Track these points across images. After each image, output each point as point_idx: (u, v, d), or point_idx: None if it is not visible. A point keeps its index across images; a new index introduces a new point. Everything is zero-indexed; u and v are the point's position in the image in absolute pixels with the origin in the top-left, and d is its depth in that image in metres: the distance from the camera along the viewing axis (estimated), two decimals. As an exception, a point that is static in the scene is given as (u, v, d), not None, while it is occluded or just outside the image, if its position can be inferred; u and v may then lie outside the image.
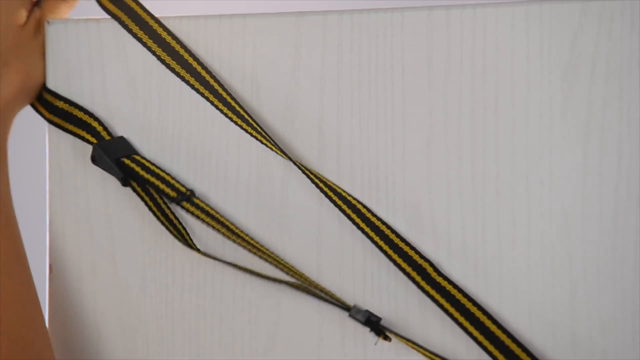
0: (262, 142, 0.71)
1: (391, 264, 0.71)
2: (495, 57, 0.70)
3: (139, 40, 0.73)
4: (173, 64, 0.73)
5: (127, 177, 0.73)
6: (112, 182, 0.75)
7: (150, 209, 0.74)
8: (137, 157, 0.73)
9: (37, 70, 0.75)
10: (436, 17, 0.70)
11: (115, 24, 0.74)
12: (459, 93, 0.70)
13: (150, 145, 0.75)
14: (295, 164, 0.70)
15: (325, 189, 0.70)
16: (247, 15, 0.73)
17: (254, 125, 0.71)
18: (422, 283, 0.70)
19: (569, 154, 0.69)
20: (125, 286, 0.76)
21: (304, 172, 0.70)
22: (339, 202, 0.70)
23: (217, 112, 0.73)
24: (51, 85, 0.76)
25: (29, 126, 0.78)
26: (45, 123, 0.76)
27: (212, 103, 0.73)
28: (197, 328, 0.75)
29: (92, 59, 0.75)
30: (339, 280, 0.72)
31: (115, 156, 0.72)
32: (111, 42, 0.75)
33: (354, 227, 0.72)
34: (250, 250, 0.71)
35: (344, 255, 0.72)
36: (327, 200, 0.72)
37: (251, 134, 0.71)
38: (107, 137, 0.74)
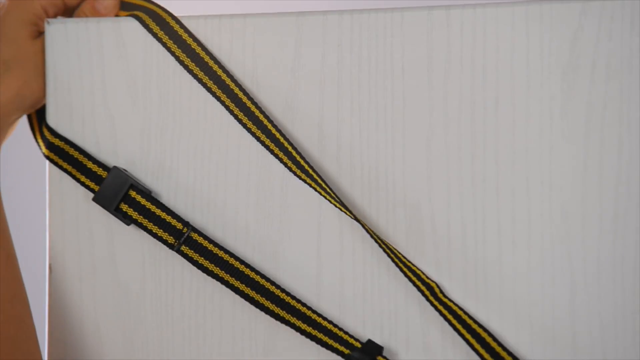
0: (274, 154, 0.72)
1: (391, 265, 0.71)
2: (495, 57, 0.70)
3: (157, 38, 0.74)
4: (191, 65, 0.73)
5: (128, 220, 0.74)
6: (112, 182, 0.75)
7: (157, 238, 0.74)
8: (133, 195, 0.73)
9: (35, 82, 0.75)
10: (436, 17, 0.70)
11: (115, 24, 0.74)
12: (459, 93, 0.70)
13: (150, 145, 0.75)
14: (305, 181, 0.71)
15: (336, 203, 0.71)
16: (247, 15, 0.73)
17: (278, 137, 0.71)
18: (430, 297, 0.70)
19: (569, 154, 0.69)
20: (125, 286, 0.75)
21: (320, 192, 0.71)
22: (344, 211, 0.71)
23: (216, 111, 0.73)
24: (51, 84, 0.75)
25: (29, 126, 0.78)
26: (46, 119, 0.76)
27: (223, 104, 0.73)
28: (197, 328, 0.75)
29: (92, 59, 0.75)
30: (339, 281, 0.72)
31: (113, 205, 0.74)
32: (111, 42, 0.75)
33: (354, 226, 0.72)
34: (249, 293, 0.73)
35: (344, 255, 0.72)
36: (327, 201, 0.72)
37: (264, 143, 0.72)
38: (104, 174, 0.74)
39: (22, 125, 0.78)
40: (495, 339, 0.69)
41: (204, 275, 0.74)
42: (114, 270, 0.76)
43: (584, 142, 0.69)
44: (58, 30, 0.75)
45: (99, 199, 0.74)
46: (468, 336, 0.70)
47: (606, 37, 0.68)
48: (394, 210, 0.71)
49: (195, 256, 0.73)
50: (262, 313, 0.73)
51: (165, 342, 0.75)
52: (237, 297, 0.74)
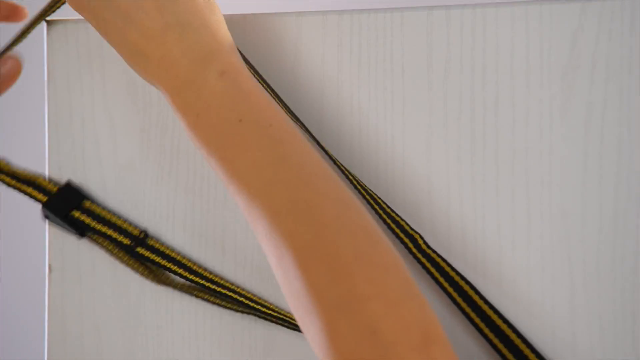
0: None
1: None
2: (495, 57, 0.70)
3: None
4: None
5: (81, 230, 0.73)
6: (111, 182, 0.75)
7: (113, 254, 0.74)
8: (87, 205, 0.73)
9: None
10: (436, 17, 0.71)
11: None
12: (459, 93, 0.70)
13: (150, 145, 0.75)
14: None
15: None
16: (247, 15, 0.73)
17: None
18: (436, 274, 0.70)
19: (569, 154, 0.69)
20: (125, 286, 0.75)
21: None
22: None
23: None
24: (51, 85, 0.76)
25: (29, 125, 0.78)
26: (46, 119, 0.76)
27: None
28: (197, 328, 0.75)
29: (92, 59, 0.75)
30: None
31: (64, 212, 0.72)
32: (111, 42, 0.75)
33: None
34: (206, 291, 0.73)
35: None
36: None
37: None
38: (54, 189, 0.73)
39: (23, 124, 0.78)
40: (477, 292, 0.69)
41: (204, 275, 0.74)
42: (114, 270, 0.76)
43: (584, 142, 0.69)
44: (58, 30, 0.75)
45: (50, 206, 0.72)
46: (450, 289, 0.69)
47: (606, 37, 0.68)
48: (394, 210, 0.71)
49: (152, 256, 0.73)
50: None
51: (164, 342, 0.75)
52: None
